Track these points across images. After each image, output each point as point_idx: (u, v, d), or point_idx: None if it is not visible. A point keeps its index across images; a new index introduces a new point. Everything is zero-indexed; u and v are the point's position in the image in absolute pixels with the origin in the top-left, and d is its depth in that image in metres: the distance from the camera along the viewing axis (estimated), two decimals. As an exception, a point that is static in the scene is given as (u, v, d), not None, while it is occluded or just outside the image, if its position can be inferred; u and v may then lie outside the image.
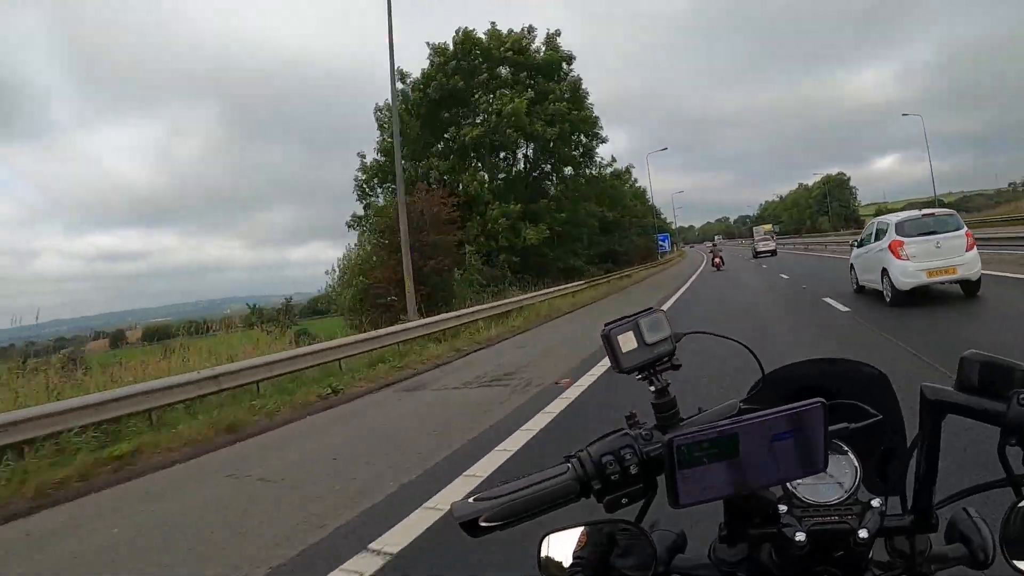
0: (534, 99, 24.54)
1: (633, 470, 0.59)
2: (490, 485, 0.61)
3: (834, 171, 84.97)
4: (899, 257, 8.53)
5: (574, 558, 0.63)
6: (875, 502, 0.65)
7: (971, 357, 0.60)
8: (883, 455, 0.70)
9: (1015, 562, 0.59)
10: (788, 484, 0.67)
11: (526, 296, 17.88)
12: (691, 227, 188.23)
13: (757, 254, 38.84)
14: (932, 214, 9.08)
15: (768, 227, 72.44)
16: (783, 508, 0.64)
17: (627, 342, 0.64)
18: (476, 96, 25.14)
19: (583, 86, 27.26)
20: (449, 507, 0.60)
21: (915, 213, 9.27)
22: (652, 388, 0.65)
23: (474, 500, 0.58)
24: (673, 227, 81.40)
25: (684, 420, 0.66)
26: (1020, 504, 0.60)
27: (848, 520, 0.63)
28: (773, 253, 38.52)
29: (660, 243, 44.75)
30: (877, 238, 9.48)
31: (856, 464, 0.70)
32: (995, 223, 27.22)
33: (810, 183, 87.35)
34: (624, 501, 0.60)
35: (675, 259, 47.46)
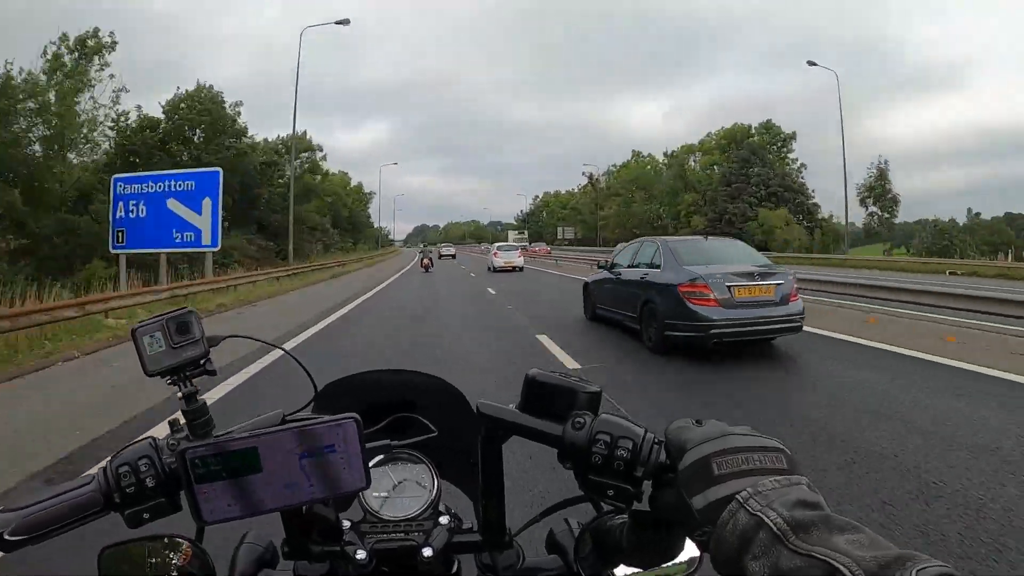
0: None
1: (150, 483, 0.54)
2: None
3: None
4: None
5: (133, 573, 0.60)
6: (443, 519, 0.65)
7: (536, 377, 0.57)
8: (471, 468, 0.67)
9: (600, 572, 0.61)
10: (363, 498, 0.66)
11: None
12: (435, 226, 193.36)
13: (495, 269, 26.26)
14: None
15: (518, 233, 69.48)
16: (347, 524, 0.63)
17: (153, 343, 0.59)
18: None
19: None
20: None
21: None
22: (179, 394, 0.59)
23: (1, 511, 0.53)
24: (379, 227, 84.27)
25: (227, 431, 0.58)
26: (597, 520, 0.62)
27: (414, 537, 0.62)
28: (518, 269, 26.14)
29: None
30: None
31: (434, 477, 0.69)
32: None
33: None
34: (146, 516, 0.55)
35: (361, 259, 42.15)
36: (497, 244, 32.92)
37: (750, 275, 6.19)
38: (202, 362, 0.60)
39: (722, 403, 4.51)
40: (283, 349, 0.79)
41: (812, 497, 0.41)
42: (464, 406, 0.74)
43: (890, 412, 4.13)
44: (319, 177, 46.97)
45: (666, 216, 54.87)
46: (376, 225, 74.54)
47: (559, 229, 68.11)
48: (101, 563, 0.59)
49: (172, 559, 0.60)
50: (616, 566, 0.61)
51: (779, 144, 52.36)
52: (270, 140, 40.05)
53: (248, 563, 0.65)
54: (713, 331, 5.82)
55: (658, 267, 6.82)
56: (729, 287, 5.95)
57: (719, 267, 6.28)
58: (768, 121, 53.81)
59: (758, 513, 0.40)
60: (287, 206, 29.12)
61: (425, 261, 28.45)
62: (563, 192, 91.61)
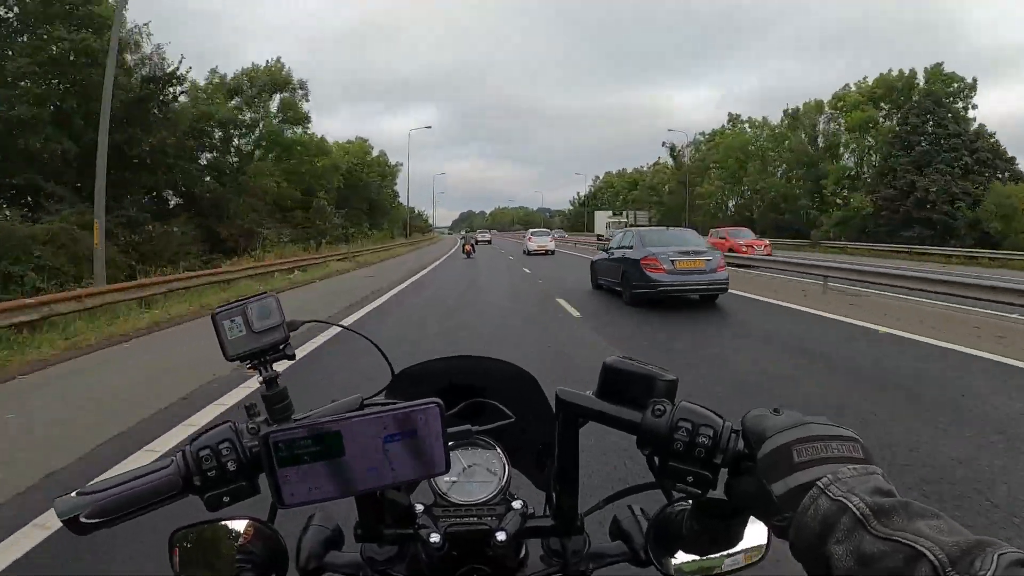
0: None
1: (232, 467, 0.55)
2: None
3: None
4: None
5: (204, 555, 0.61)
6: (516, 503, 0.65)
7: (613, 364, 0.58)
8: (540, 453, 0.71)
9: (665, 560, 0.62)
10: (433, 483, 0.67)
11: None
12: (482, 212, 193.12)
13: (529, 253, 29.16)
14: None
15: (612, 216, 57.24)
16: (420, 508, 0.64)
17: (234, 328, 0.59)
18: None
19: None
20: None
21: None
22: (260, 379, 0.61)
23: (77, 495, 0.54)
24: (420, 212, 78.51)
25: (307, 414, 0.61)
26: (668, 507, 0.63)
27: (487, 521, 0.63)
28: (550, 253, 29.12)
29: None
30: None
31: (505, 463, 0.70)
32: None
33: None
34: (226, 500, 0.56)
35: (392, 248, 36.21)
36: (531, 230, 37.19)
37: (687, 253, 9.39)
38: (281, 347, 0.61)
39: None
40: (362, 334, 0.79)
41: (887, 486, 0.42)
42: (536, 391, 0.75)
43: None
44: (299, 131, 33.29)
45: (800, 192, 42.05)
46: (404, 205, 58.13)
47: (629, 213, 54.55)
48: (173, 543, 0.61)
49: (245, 540, 0.62)
50: (676, 553, 0.63)
51: (959, 95, 36.33)
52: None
53: (315, 544, 0.66)
54: (660, 289, 9.08)
55: (631, 248, 10.11)
56: (672, 260, 9.16)
57: (668, 248, 9.50)
58: (939, 66, 37.69)
59: (840, 499, 0.41)
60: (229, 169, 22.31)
61: (467, 247, 28.49)
62: (629, 170, 79.38)
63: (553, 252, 29.86)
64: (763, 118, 50.21)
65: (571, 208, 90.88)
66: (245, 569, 0.60)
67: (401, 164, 57.53)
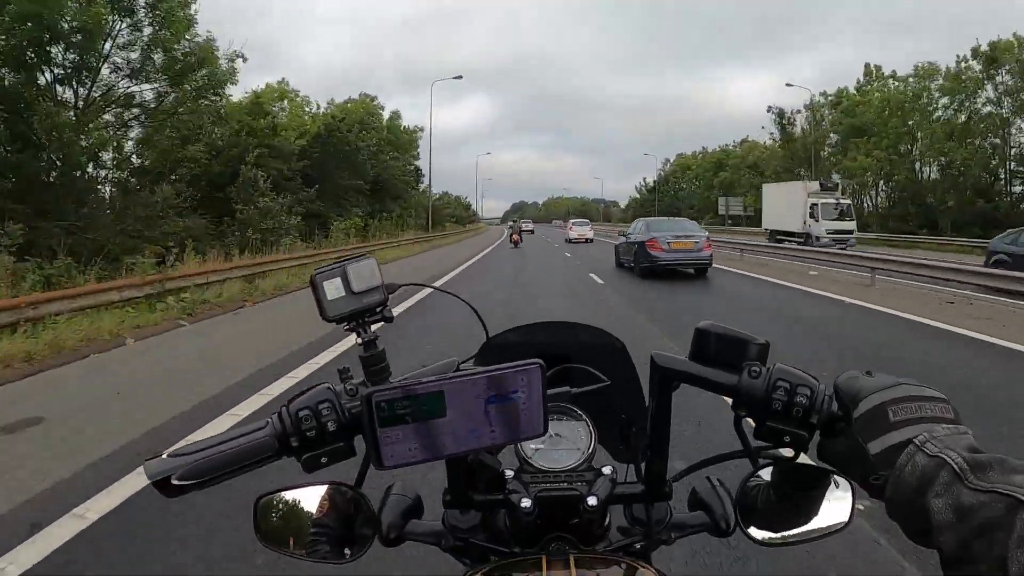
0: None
1: (331, 427, 0.54)
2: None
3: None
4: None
5: (289, 521, 0.61)
6: (606, 469, 0.65)
7: (706, 328, 0.59)
8: (624, 423, 0.72)
9: (749, 530, 0.62)
10: (520, 448, 0.66)
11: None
12: (535, 203, 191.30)
13: (570, 241, 32.30)
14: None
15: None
16: (509, 473, 0.64)
17: (333, 289, 0.58)
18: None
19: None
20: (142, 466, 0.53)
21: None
22: (359, 340, 0.60)
23: (167, 456, 0.53)
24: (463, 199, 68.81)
25: (404, 377, 0.59)
26: (756, 474, 0.61)
27: (577, 487, 0.62)
28: (589, 241, 31.66)
29: None
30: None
31: (592, 430, 0.70)
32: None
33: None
34: (324, 460, 0.55)
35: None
36: (572, 220, 41.53)
37: (679, 236, 12.60)
38: (380, 309, 0.60)
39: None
40: (460, 298, 0.79)
41: (977, 446, 0.43)
42: (624, 358, 0.75)
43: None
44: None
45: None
46: (423, 186, 42.50)
47: (724, 200, 40.78)
48: (258, 510, 0.60)
49: (332, 505, 0.61)
50: (758, 523, 0.62)
51: None
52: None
53: (396, 514, 0.66)
54: (659, 264, 12.40)
55: (641, 233, 13.40)
56: (668, 242, 12.40)
57: (667, 233, 12.76)
58: None
59: (938, 454, 0.42)
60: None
61: (515, 236, 29.00)
62: (709, 150, 65.09)
63: (591, 240, 32.98)
64: (927, 63, 34.02)
65: (639, 195, 77.48)
66: (329, 535, 0.61)
67: (422, 130, 41.73)
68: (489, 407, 0.50)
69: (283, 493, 0.61)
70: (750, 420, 0.58)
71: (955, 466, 0.41)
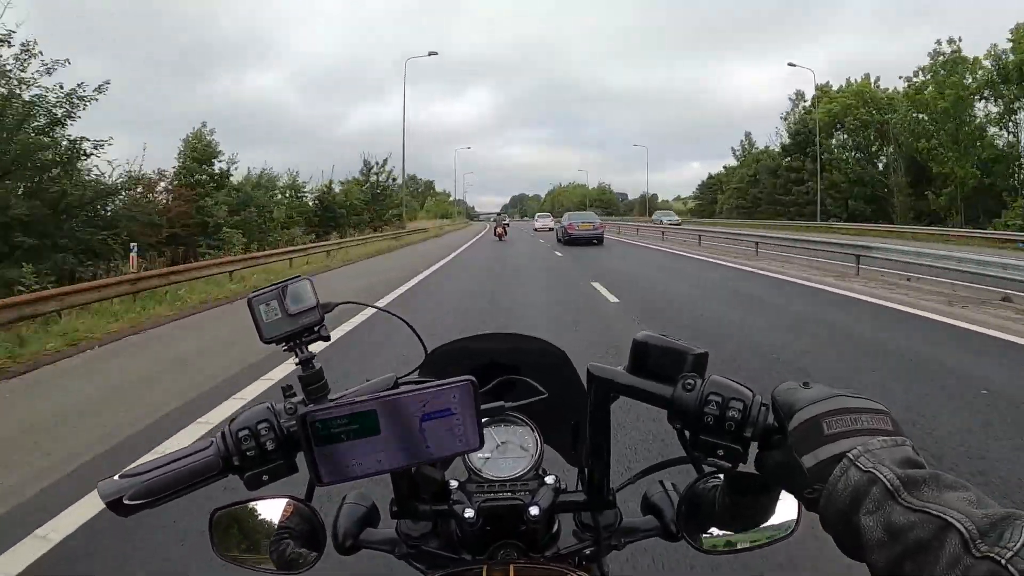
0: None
1: (270, 446, 0.56)
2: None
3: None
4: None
5: (243, 534, 0.63)
6: (549, 479, 0.66)
7: (643, 340, 0.58)
8: (572, 428, 0.72)
9: (697, 535, 0.63)
10: (467, 459, 0.68)
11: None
12: (536, 196, 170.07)
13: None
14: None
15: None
16: (454, 484, 0.65)
17: (270, 312, 0.61)
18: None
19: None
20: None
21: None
22: (295, 360, 0.62)
23: (119, 478, 0.55)
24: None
25: (342, 394, 0.61)
26: (701, 480, 0.62)
27: (521, 496, 0.64)
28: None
29: None
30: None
31: (538, 439, 0.71)
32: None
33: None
34: (265, 479, 0.57)
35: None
36: (537, 214, 53.07)
37: (584, 222, 23.36)
38: (316, 328, 0.62)
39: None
40: (395, 315, 0.80)
41: (917, 458, 0.43)
42: (568, 367, 0.76)
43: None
44: None
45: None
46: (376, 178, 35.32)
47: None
48: (213, 524, 0.61)
49: (283, 519, 0.63)
50: (707, 528, 0.63)
51: None
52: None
53: (351, 522, 0.67)
54: (571, 236, 22.81)
55: (566, 220, 24.30)
56: (577, 225, 23.07)
57: (578, 220, 23.58)
58: None
59: (871, 470, 0.41)
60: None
61: (499, 230, 30.31)
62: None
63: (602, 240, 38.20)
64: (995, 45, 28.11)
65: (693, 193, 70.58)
66: (283, 547, 0.62)
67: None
68: (422, 423, 0.51)
69: (237, 507, 0.63)
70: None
71: (887, 483, 0.40)
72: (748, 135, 54.15)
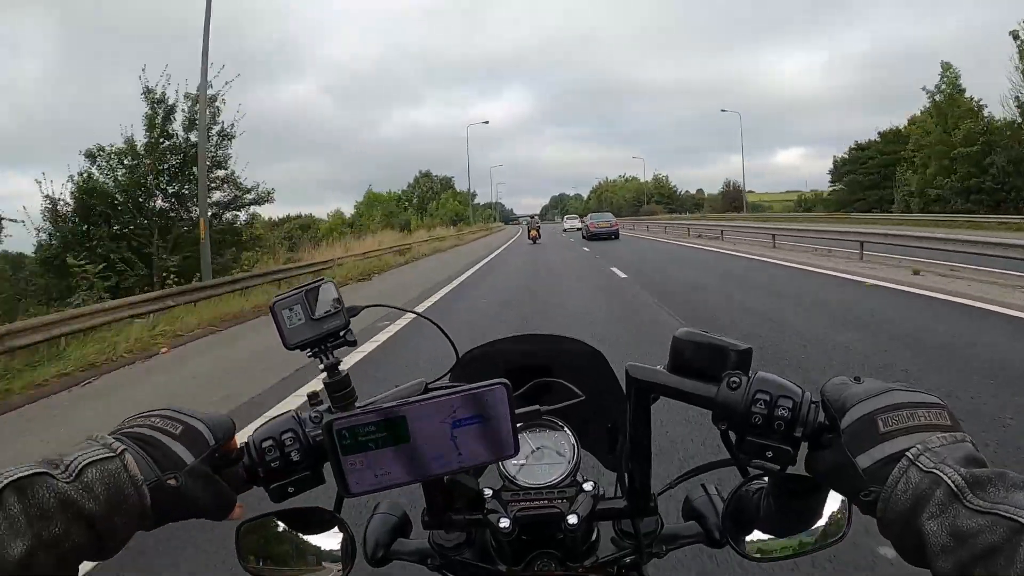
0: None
1: (295, 456, 0.54)
2: None
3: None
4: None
5: (270, 546, 0.61)
6: (587, 485, 0.63)
7: (683, 337, 0.55)
8: (609, 431, 0.70)
9: (743, 540, 0.61)
10: (501, 466, 0.66)
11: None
12: (577, 195, 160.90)
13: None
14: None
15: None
16: (488, 492, 0.63)
17: (293, 316, 0.57)
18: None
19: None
20: None
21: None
22: (320, 366, 0.59)
23: None
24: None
25: (370, 401, 0.59)
26: (747, 483, 0.60)
27: (558, 504, 0.61)
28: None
29: None
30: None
31: (575, 444, 0.68)
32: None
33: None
34: (291, 490, 0.55)
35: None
36: (566, 216, 58.35)
37: (602, 220, 29.34)
38: (342, 333, 0.59)
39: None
40: (425, 316, 0.78)
41: (978, 455, 0.40)
42: (604, 368, 0.74)
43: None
44: None
45: None
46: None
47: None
48: (240, 537, 0.60)
49: (311, 530, 0.61)
50: (751, 532, 0.61)
51: None
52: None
53: (382, 533, 0.66)
54: (592, 232, 28.61)
55: (587, 220, 30.61)
56: (596, 223, 29.00)
57: (598, 220, 29.56)
58: None
59: (933, 470, 0.39)
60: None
61: (532, 232, 30.03)
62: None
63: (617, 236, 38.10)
64: None
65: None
66: (313, 560, 0.61)
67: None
68: (454, 430, 0.48)
69: (264, 519, 0.61)
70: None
71: (951, 484, 0.38)
72: (952, 77, 31.52)
